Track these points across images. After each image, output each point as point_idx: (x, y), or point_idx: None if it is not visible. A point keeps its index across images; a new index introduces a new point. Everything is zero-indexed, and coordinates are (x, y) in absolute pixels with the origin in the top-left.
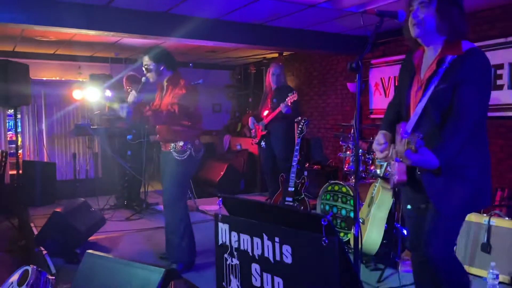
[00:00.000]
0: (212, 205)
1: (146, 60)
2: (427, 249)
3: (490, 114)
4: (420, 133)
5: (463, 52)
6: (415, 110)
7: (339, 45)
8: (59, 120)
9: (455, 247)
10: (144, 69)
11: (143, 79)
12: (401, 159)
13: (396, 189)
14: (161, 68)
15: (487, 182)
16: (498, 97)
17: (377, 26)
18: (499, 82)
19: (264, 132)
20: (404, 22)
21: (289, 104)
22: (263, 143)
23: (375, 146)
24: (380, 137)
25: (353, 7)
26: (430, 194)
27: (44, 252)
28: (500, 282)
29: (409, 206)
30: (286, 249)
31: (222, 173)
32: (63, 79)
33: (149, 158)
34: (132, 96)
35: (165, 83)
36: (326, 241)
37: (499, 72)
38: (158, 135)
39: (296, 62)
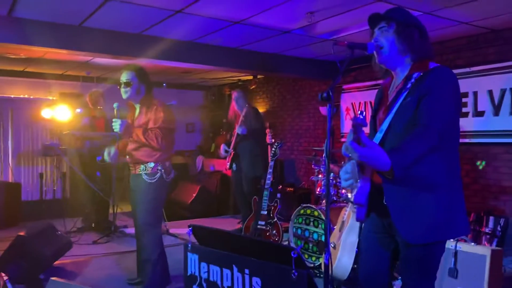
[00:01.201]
0: (183, 228)
1: (130, 75)
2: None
3: None
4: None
5: (429, 69)
6: (381, 127)
7: (312, 70)
8: (26, 139)
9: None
10: (123, 82)
11: (115, 105)
12: (350, 154)
13: (359, 221)
14: (142, 88)
15: (461, 206)
16: (463, 124)
17: (348, 58)
18: (464, 110)
19: (232, 154)
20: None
21: (242, 121)
22: (234, 166)
23: (341, 174)
24: (348, 166)
25: (325, 34)
26: (395, 220)
27: (6, 278)
28: None
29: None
30: (256, 281)
31: (194, 195)
32: (31, 97)
33: (119, 179)
34: (120, 125)
35: (138, 104)
36: (296, 274)
37: (464, 100)
38: (128, 157)
39: (270, 85)
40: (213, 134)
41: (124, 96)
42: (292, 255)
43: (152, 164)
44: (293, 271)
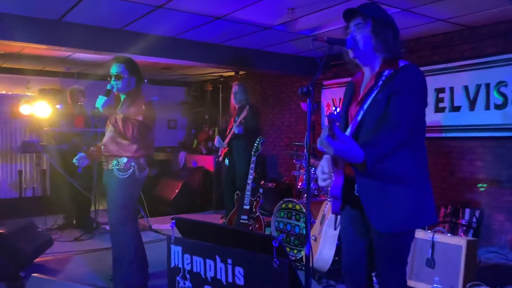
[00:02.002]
0: (166, 224)
1: (120, 68)
2: (377, 277)
3: (433, 135)
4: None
5: (399, 67)
6: (352, 122)
7: (294, 66)
8: (5, 136)
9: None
10: (113, 75)
11: (109, 86)
12: (325, 148)
13: (335, 214)
14: (132, 80)
15: (430, 196)
16: (440, 119)
17: (327, 53)
18: (441, 105)
19: (226, 149)
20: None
21: (241, 122)
22: (226, 161)
23: (318, 174)
24: (324, 165)
25: (306, 31)
26: (368, 211)
27: None
28: None
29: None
30: (239, 271)
31: (177, 191)
32: (9, 93)
33: (100, 175)
34: (101, 100)
35: (124, 96)
36: (277, 262)
37: (441, 95)
38: (103, 147)
39: (252, 81)
40: (196, 130)
41: (115, 89)
42: (274, 244)
43: (125, 160)
44: (275, 259)
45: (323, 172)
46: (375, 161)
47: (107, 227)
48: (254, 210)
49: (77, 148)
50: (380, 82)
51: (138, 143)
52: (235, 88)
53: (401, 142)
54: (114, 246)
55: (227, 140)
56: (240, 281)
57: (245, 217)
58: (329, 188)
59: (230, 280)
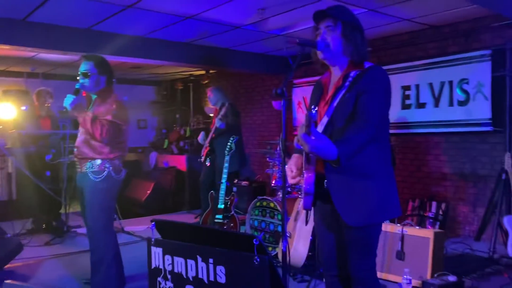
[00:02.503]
0: (139, 226)
1: (88, 66)
2: (350, 268)
3: (401, 131)
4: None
5: (365, 68)
6: (322, 120)
7: (264, 65)
8: None
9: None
10: (81, 74)
11: (78, 85)
12: (301, 146)
13: (308, 211)
14: (102, 79)
15: (394, 190)
16: (406, 115)
17: (299, 55)
18: (407, 102)
19: (208, 149)
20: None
21: (221, 118)
22: (208, 162)
23: (287, 171)
24: (292, 164)
25: (276, 30)
26: (337, 205)
27: None
28: (413, 287)
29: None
30: (220, 269)
31: (148, 191)
32: None
33: (70, 178)
34: (69, 99)
35: (95, 95)
36: (258, 259)
37: (407, 93)
38: (76, 150)
39: (223, 80)
40: (166, 130)
41: (86, 87)
42: (254, 242)
43: (99, 162)
44: (255, 257)
45: (292, 170)
46: (348, 157)
47: (78, 230)
48: (229, 209)
49: (45, 150)
50: (347, 83)
51: (110, 144)
52: (209, 93)
53: (369, 138)
54: (93, 250)
55: (208, 139)
56: (222, 279)
57: (220, 216)
58: (302, 186)
59: (212, 279)
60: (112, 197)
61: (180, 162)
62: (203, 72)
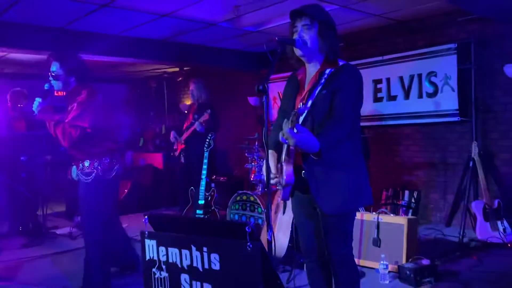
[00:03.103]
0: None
1: (55, 66)
2: (328, 253)
3: (374, 123)
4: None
5: (339, 66)
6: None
7: (240, 61)
8: None
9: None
10: (50, 75)
11: (46, 85)
12: (286, 140)
13: (285, 201)
14: (71, 80)
15: (366, 180)
16: (378, 108)
17: (280, 52)
18: (379, 95)
19: (183, 146)
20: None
21: (202, 123)
22: (182, 158)
23: (266, 168)
24: (272, 166)
25: (251, 27)
26: (315, 194)
27: None
28: (389, 271)
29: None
30: (214, 257)
31: (126, 190)
32: None
33: (48, 179)
34: (36, 103)
35: (70, 96)
36: (251, 246)
37: (378, 86)
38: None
39: (198, 76)
40: (141, 128)
41: (55, 89)
42: (247, 229)
43: (87, 163)
44: (248, 243)
45: (271, 172)
46: (328, 150)
47: (57, 231)
48: (209, 204)
49: (19, 152)
50: (323, 80)
51: (89, 144)
52: (192, 85)
53: (346, 134)
54: (86, 249)
55: (184, 136)
56: (216, 266)
57: (201, 211)
58: (283, 178)
59: (206, 266)
60: (104, 198)
61: (156, 160)
62: (177, 69)
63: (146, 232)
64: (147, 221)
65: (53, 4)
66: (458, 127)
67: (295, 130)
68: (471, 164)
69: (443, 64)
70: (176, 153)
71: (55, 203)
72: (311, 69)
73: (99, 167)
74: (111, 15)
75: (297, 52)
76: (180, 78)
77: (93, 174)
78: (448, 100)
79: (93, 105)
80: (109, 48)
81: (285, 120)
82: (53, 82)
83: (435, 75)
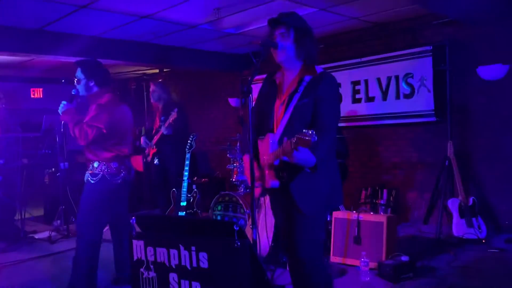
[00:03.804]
0: None
1: (77, 72)
2: (296, 251)
3: (353, 124)
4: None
5: (317, 74)
6: (281, 122)
7: (220, 63)
8: None
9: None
10: (75, 80)
11: (73, 91)
12: (287, 157)
13: (261, 197)
14: (91, 84)
15: (339, 183)
16: (357, 109)
17: (262, 56)
18: (357, 96)
19: (155, 150)
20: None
21: (170, 124)
22: (156, 161)
23: (247, 173)
24: (257, 177)
25: (231, 29)
26: (295, 195)
27: None
28: (370, 269)
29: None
30: (203, 255)
31: None
32: None
33: (25, 183)
34: (61, 105)
35: (91, 99)
36: (239, 243)
37: (357, 87)
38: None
39: (178, 78)
40: None
41: (80, 93)
42: (235, 228)
43: (96, 164)
44: (236, 241)
45: (252, 171)
46: (320, 162)
47: (36, 236)
48: (191, 205)
49: None
50: (302, 87)
51: (102, 147)
52: (152, 87)
53: (332, 142)
54: (77, 249)
55: (154, 140)
56: (205, 264)
57: (183, 213)
58: (268, 182)
59: (194, 265)
60: (105, 201)
61: (136, 162)
62: (156, 70)
63: (134, 233)
64: (134, 221)
65: (31, 6)
66: (434, 127)
67: (297, 150)
68: (446, 163)
69: (419, 66)
70: (149, 158)
71: (34, 207)
72: (290, 75)
73: (107, 170)
74: (90, 17)
75: (276, 58)
76: (160, 80)
77: (100, 176)
78: (424, 101)
79: (111, 108)
80: (88, 49)
81: (286, 139)
82: (78, 87)
83: (412, 77)
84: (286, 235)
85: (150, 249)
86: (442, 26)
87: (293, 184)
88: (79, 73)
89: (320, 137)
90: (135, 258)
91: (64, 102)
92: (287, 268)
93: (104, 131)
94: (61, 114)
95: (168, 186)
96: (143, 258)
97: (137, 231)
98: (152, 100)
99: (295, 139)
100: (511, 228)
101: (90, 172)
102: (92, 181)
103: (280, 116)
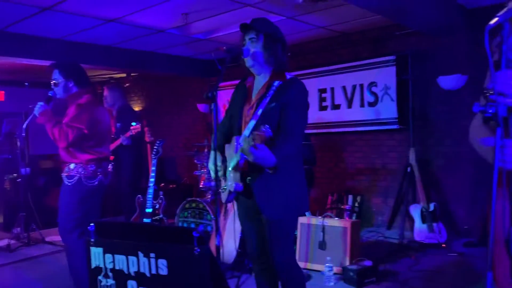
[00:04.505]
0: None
1: (55, 74)
2: (271, 257)
3: (319, 131)
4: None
5: (287, 80)
6: (248, 125)
7: (189, 68)
8: None
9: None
10: (52, 83)
11: (50, 92)
12: (246, 156)
13: (227, 203)
14: (70, 85)
15: (305, 189)
16: (323, 116)
17: (228, 61)
18: (324, 104)
19: (112, 157)
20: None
21: (129, 136)
22: (110, 167)
23: (210, 166)
24: (217, 159)
25: (200, 34)
26: (259, 200)
27: None
28: (334, 273)
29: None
30: (162, 262)
31: None
32: None
33: None
34: (38, 106)
35: (70, 99)
36: (198, 250)
37: (323, 95)
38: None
39: (146, 83)
40: None
41: (58, 96)
42: (194, 234)
43: (72, 166)
44: (196, 248)
45: (214, 163)
46: (281, 163)
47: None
48: (157, 212)
49: None
50: (271, 92)
51: (80, 149)
52: (106, 91)
53: (298, 147)
54: (67, 255)
55: (111, 147)
56: (164, 271)
57: (149, 220)
58: (232, 185)
59: (154, 272)
60: (82, 204)
61: None
62: (124, 74)
63: (92, 240)
64: (93, 228)
65: None
66: (397, 135)
67: (255, 148)
68: (409, 169)
69: (383, 75)
70: None
71: None
72: (260, 80)
73: (83, 173)
74: (53, 19)
75: (247, 63)
76: (128, 84)
77: (76, 178)
78: (388, 109)
79: (92, 109)
80: (51, 52)
81: (245, 136)
82: (55, 89)
83: (376, 85)
84: (253, 241)
85: (108, 256)
86: (405, 37)
87: (256, 186)
88: (56, 75)
89: (283, 139)
90: (93, 265)
91: (40, 103)
92: (253, 274)
93: (85, 131)
94: (37, 116)
95: (122, 193)
96: (102, 265)
97: (96, 238)
98: (105, 105)
99: (251, 135)
100: (470, 232)
101: (66, 174)
102: (68, 183)
103: (248, 119)
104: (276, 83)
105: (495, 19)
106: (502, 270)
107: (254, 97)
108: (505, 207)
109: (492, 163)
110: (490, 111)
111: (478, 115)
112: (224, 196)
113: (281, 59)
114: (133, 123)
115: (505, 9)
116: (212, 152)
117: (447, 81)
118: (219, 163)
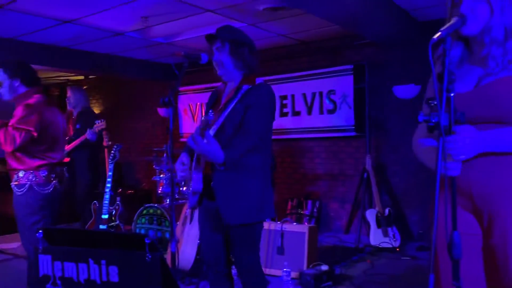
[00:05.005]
0: (12, 243)
1: None
2: (235, 263)
3: (280, 137)
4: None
5: (256, 84)
6: (214, 126)
7: (148, 72)
8: None
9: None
10: None
11: None
12: (194, 146)
13: (193, 210)
14: (16, 84)
15: (270, 194)
16: (284, 123)
17: (185, 67)
18: (285, 110)
19: (67, 159)
20: (206, 63)
21: (96, 131)
22: (65, 172)
23: (178, 166)
24: (184, 158)
25: (160, 38)
26: (220, 204)
27: None
28: (292, 278)
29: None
30: (113, 269)
31: None
32: None
33: None
34: None
35: (18, 100)
36: (150, 257)
37: (284, 102)
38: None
39: (104, 86)
40: None
41: (3, 98)
42: (146, 241)
43: (22, 173)
44: (147, 254)
45: (183, 163)
46: (232, 162)
47: None
48: (113, 219)
49: None
50: (239, 95)
51: (30, 153)
52: (69, 92)
53: (252, 147)
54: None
55: (71, 146)
56: (115, 278)
57: (105, 226)
58: (191, 185)
59: (104, 279)
60: (34, 212)
61: None
62: (81, 77)
63: (40, 247)
64: (41, 235)
65: None
66: (354, 142)
67: (203, 139)
68: (365, 175)
69: (341, 83)
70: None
71: None
72: (230, 85)
73: (34, 180)
74: (5, 18)
75: (216, 72)
76: (85, 87)
77: (26, 186)
78: (346, 117)
79: (41, 110)
80: (1, 52)
81: (197, 127)
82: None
83: (334, 93)
84: (213, 247)
85: (57, 264)
86: (362, 47)
87: (220, 190)
88: (0, 75)
89: (239, 138)
90: (41, 274)
91: None
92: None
93: (35, 134)
94: None
95: (81, 198)
96: (50, 273)
97: (44, 246)
98: (68, 107)
99: (200, 127)
100: (422, 236)
101: (15, 183)
102: (18, 193)
103: (215, 121)
104: (244, 87)
105: (438, 34)
106: (444, 273)
107: (223, 101)
108: (447, 211)
109: (435, 169)
110: (434, 120)
111: (422, 125)
112: (190, 201)
113: (249, 63)
114: (97, 121)
115: (447, 24)
116: (182, 153)
117: (402, 91)
118: (185, 161)
